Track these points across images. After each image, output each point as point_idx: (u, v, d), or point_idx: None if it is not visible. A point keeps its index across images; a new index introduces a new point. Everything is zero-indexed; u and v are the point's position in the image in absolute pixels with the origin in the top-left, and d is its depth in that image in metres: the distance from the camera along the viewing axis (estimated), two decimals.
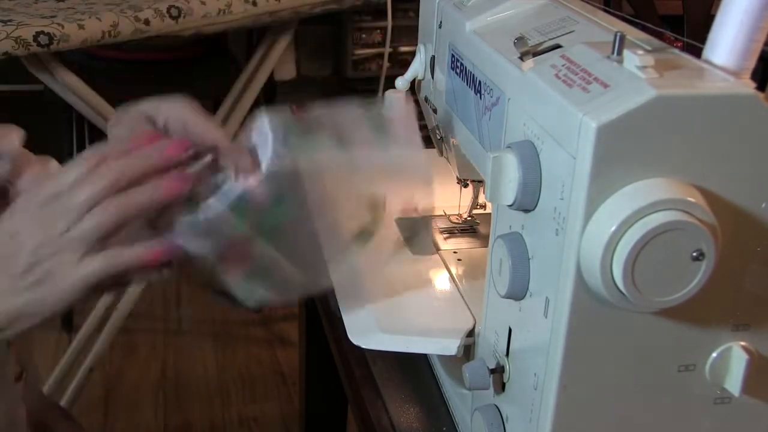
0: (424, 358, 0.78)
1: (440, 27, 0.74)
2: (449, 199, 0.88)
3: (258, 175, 0.59)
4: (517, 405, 0.56)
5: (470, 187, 0.85)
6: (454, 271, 0.78)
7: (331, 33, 2.13)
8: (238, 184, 0.59)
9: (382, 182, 0.67)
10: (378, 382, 0.75)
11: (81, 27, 1.33)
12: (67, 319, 1.92)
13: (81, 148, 1.82)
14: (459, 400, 0.69)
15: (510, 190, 0.52)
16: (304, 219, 0.63)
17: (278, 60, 1.82)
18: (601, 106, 0.45)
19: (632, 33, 0.54)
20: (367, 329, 0.70)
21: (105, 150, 0.57)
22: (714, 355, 0.51)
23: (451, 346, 0.66)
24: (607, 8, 0.63)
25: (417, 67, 0.80)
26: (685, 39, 0.66)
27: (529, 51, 0.56)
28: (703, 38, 0.51)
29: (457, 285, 0.76)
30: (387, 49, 1.97)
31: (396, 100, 0.65)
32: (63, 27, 1.31)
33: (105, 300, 1.66)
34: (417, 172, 0.67)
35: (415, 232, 0.88)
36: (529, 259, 0.53)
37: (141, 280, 0.62)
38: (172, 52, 1.90)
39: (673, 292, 0.46)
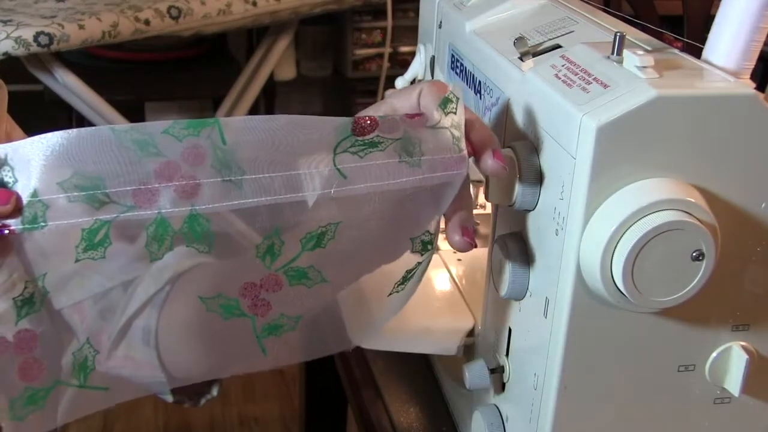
0: (424, 358, 0.78)
1: (440, 27, 0.74)
2: None
3: None
4: (517, 405, 0.56)
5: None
6: (454, 271, 0.78)
7: (331, 33, 2.14)
8: None
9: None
10: (378, 382, 0.75)
11: (81, 27, 1.33)
12: None
13: None
14: (459, 400, 0.69)
15: (510, 191, 0.52)
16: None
17: (278, 60, 1.82)
18: (601, 106, 0.45)
19: (632, 33, 0.54)
20: (367, 329, 0.70)
21: None
22: (714, 355, 0.51)
23: (451, 346, 0.66)
24: (607, 8, 0.63)
25: (417, 67, 0.80)
26: (685, 39, 0.66)
27: (529, 51, 0.56)
28: (703, 38, 0.51)
29: (457, 285, 0.76)
30: (387, 49, 1.98)
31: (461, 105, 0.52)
32: (63, 27, 1.31)
33: None
34: None
35: None
36: (529, 259, 0.53)
37: None
38: (172, 52, 1.90)
39: (673, 292, 0.46)
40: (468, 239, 0.51)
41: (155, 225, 0.48)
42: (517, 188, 0.52)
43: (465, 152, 0.51)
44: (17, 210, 0.45)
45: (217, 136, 0.48)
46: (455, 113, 0.51)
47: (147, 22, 1.42)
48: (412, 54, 0.80)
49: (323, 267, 0.53)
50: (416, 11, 0.81)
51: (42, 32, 1.29)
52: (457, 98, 0.51)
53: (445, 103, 0.51)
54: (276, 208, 0.49)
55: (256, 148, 0.48)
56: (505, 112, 0.57)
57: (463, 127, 0.51)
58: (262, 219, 0.50)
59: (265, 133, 0.48)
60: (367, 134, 0.49)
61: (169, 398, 0.67)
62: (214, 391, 0.72)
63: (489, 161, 0.50)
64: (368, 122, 0.49)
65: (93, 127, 0.47)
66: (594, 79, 0.48)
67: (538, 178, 0.51)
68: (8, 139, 0.62)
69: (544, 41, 0.58)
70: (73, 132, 0.46)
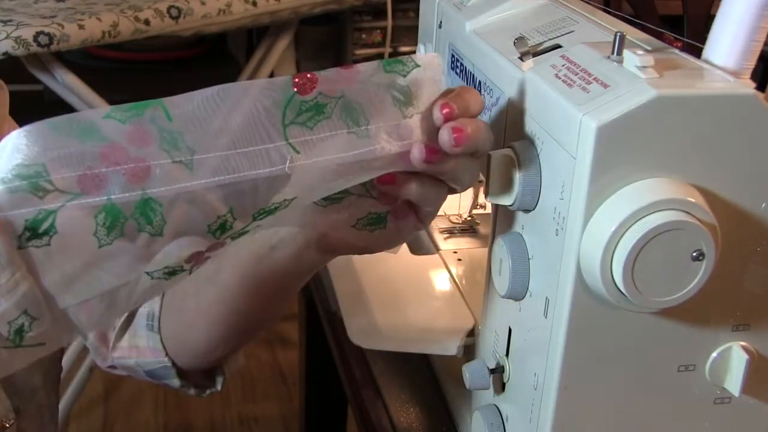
0: (424, 358, 0.78)
1: (440, 27, 0.74)
2: (449, 199, 0.88)
3: None
4: (517, 405, 0.56)
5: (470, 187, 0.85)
6: (454, 271, 0.78)
7: (331, 33, 2.13)
8: None
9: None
10: (378, 382, 0.75)
11: (81, 27, 1.33)
12: None
13: None
14: (459, 400, 0.69)
15: (510, 190, 0.52)
16: None
17: (278, 60, 1.82)
18: (601, 106, 0.45)
19: (632, 33, 0.54)
20: (367, 329, 0.70)
21: None
22: (714, 355, 0.51)
23: (451, 346, 0.66)
24: (607, 8, 0.63)
25: None
26: (685, 39, 0.66)
27: (529, 51, 0.56)
28: (703, 38, 0.51)
29: (457, 285, 0.76)
30: (387, 49, 1.97)
31: (428, 61, 0.51)
32: (63, 27, 1.31)
33: None
34: None
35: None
36: (529, 259, 0.53)
37: None
38: (172, 52, 1.90)
39: (673, 292, 0.46)
40: (447, 110, 0.49)
41: (105, 212, 0.46)
42: (517, 188, 0.52)
43: (410, 120, 0.49)
44: None
45: (162, 115, 0.46)
46: (404, 76, 0.50)
47: (147, 22, 1.41)
48: (412, 54, 0.80)
49: (265, 224, 0.52)
50: (416, 11, 0.81)
51: (42, 32, 1.29)
52: (416, 65, 0.50)
53: (390, 63, 0.49)
54: (229, 188, 0.48)
55: (204, 126, 0.46)
56: (505, 112, 0.57)
57: (412, 94, 0.50)
58: (215, 199, 0.48)
59: (210, 109, 0.46)
60: (308, 91, 0.48)
61: (176, 382, 0.67)
62: (218, 385, 0.73)
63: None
64: (308, 77, 0.48)
65: (27, 126, 0.45)
66: (594, 79, 0.48)
67: (538, 178, 0.51)
68: None
69: (544, 41, 0.58)
70: (8, 138, 0.44)
